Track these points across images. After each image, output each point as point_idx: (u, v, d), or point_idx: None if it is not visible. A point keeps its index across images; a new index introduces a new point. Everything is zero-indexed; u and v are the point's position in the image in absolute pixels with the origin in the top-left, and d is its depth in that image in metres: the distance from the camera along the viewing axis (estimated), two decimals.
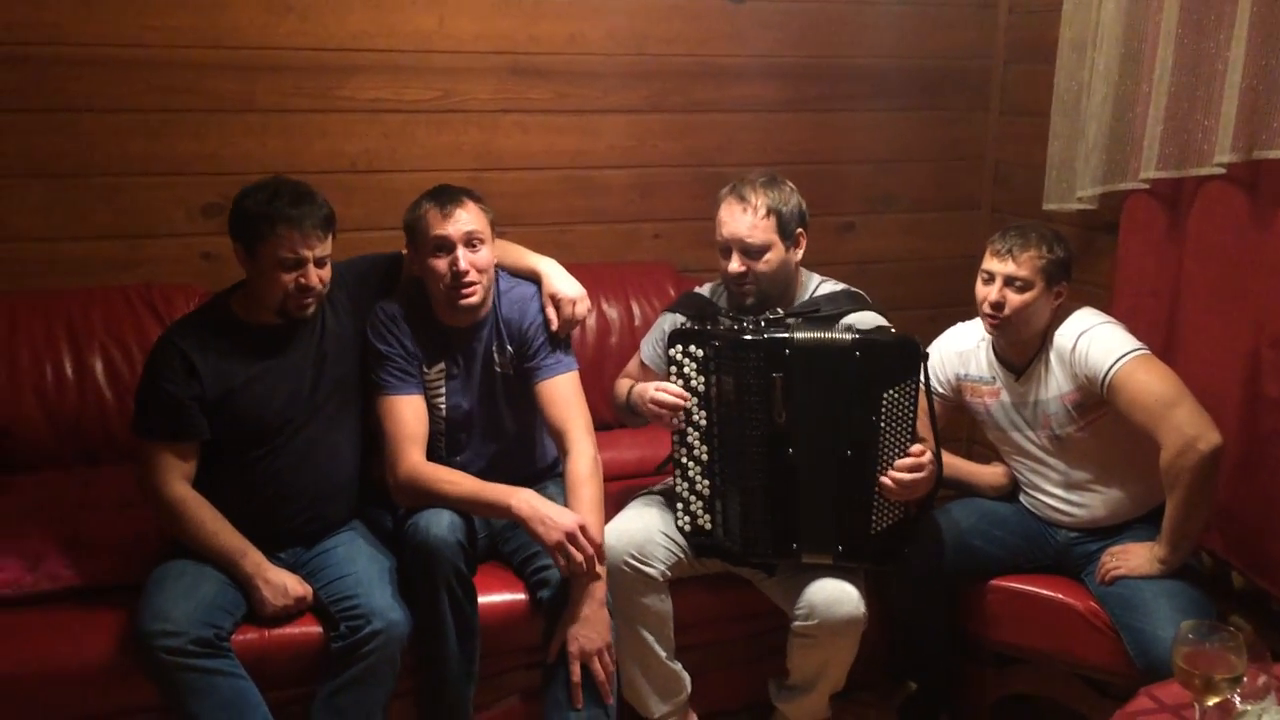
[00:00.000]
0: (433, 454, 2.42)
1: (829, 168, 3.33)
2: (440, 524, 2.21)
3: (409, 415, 2.35)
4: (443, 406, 2.43)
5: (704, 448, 2.36)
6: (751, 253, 2.37)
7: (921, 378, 2.22)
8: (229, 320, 2.32)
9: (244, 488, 2.31)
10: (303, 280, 2.23)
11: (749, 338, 2.27)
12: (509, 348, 2.43)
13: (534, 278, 2.49)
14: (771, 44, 3.19)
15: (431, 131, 2.94)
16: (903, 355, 2.22)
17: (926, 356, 2.25)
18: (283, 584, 2.23)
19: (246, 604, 2.24)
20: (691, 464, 2.37)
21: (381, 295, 2.43)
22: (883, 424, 2.23)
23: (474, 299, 2.32)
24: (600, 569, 2.26)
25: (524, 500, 2.23)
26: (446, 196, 2.32)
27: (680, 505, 2.39)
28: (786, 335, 2.26)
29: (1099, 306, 2.50)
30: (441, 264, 2.30)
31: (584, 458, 2.34)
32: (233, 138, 2.79)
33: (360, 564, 2.28)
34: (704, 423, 2.35)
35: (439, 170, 2.91)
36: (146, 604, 2.13)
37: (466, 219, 2.30)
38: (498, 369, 2.44)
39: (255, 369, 2.30)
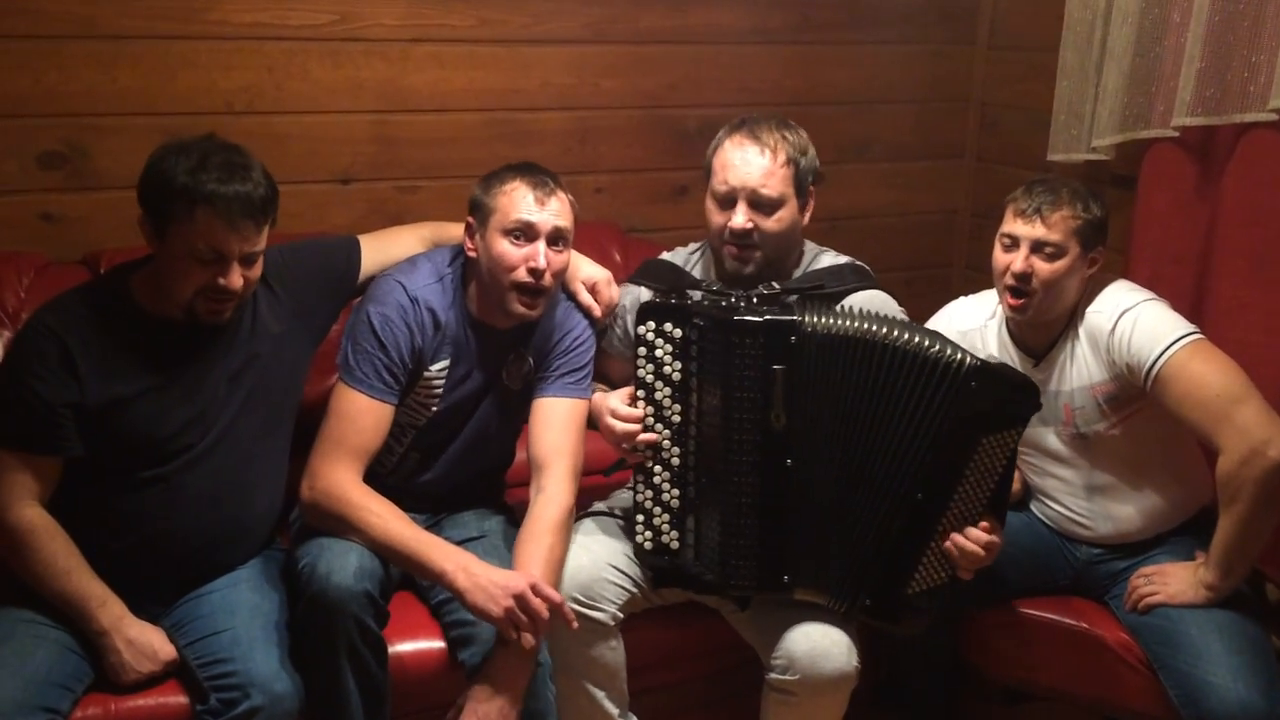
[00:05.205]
0: (391, 456, 2.11)
1: (797, 110, 2.96)
2: (345, 570, 1.81)
3: (368, 423, 1.99)
4: (433, 411, 2.10)
5: (675, 450, 2.00)
6: (763, 207, 2.07)
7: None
8: (127, 307, 1.87)
9: (115, 523, 1.87)
10: (221, 281, 1.79)
11: (750, 319, 1.91)
12: (529, 359, 2.14)
13: None
14: None
15: (325, 65, 2.53)
16: (1022, 398, 1.90)
17: (1040, 407, 1.95)
18: (150, 646, 1.81)
19: (93, 671, 1.80)
20: (659, 469, 2.02)
21: (329, 297, 2.08)
22: (968, 472, 1.88)
23: (537, 311, 2.04)
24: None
25: (460, 567, 1.87)
26: (541, 177, 2.04)
27: (641, 518, 2.04)
28: (795, 318, 1.91)
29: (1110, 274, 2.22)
30: (516, 254, 1.99)
31: (558, 504, 2.02)
32: (75, 71, 2.35)
33: (239, 617, 1.86)
34: (677, 419, 2.00)
35: (335, 112, 2.55)
36: None
37: (560, 211, 2.03)
38: (505, 381, 2.13)
39: (155, 377, 1.86)
